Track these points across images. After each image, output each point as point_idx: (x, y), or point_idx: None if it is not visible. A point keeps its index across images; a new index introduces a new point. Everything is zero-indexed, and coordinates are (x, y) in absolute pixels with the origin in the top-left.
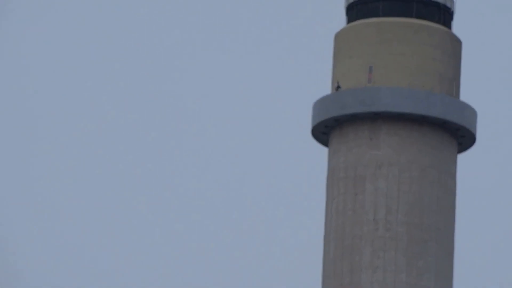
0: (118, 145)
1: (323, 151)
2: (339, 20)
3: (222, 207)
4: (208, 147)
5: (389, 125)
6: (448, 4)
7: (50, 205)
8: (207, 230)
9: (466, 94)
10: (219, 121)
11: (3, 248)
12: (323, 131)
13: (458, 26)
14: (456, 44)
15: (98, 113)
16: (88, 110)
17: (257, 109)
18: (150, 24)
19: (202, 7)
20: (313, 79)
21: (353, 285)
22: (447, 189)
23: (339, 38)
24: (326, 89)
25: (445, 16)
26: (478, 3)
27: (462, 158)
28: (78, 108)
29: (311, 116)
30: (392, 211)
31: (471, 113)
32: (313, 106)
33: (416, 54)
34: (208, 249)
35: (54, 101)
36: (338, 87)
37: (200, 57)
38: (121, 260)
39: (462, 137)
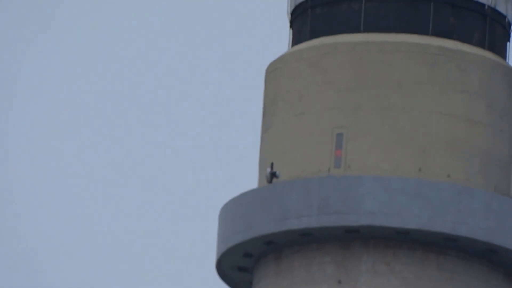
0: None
1: None
2: (280, 41)
3: None
4: None
5: (377, 254)
6: (502, 10)
7: None
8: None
9: None
10: None
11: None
12: (240, 264)
13: None
14: None
15: None
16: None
17: None
18: None
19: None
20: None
21: None
22: None
23: (276, 76)
24: (249, 180)
25: (495, 33)
26: None
27: None
28: None
29: (215, 242)
30: None
31: None
32: (220, 216)
33: (433, 109)
34: None
35: None
36: (273, 174)
37: None
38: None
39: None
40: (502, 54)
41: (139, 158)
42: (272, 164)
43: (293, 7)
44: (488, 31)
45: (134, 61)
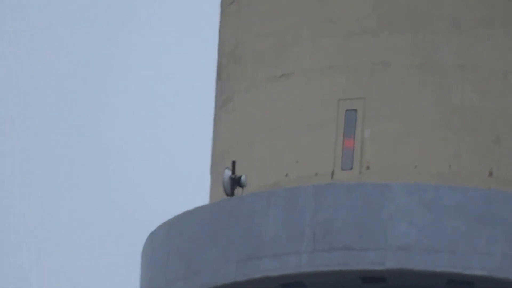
0: None
1: None
2: None
3: None
4: None
5: None
6: None
7: None
8: None
9: None
10: None
11: None
12: None
13: None
14: None
15: None
16: None
17: None
18: None
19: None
20: None
21: None
22: None
23: (239, 10)
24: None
25: None
26: None
27: None
28: None
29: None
30: None
31: None
32: (144, 254)
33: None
34: None
35: None
36: (235, 180)
37: None
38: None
39: None
40: None
41: None
42: (233, 163)
43: None
44: None
45: None
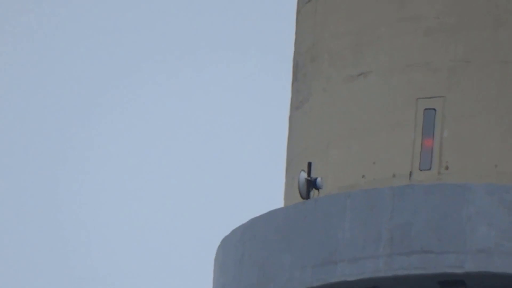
0: None
1: None
2: None
3: None
4: None
5: None
6: None
7: None
8: None
9: None
10: None
11: None
12: None
13: None
14: None
15: None
16: None
17: None
18: None
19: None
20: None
21: None
22: None
23: (315, 10)
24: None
25: None
26: None
27: None
28: None
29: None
30: None
31: None
32: (217, 259)
33: None
34: None
35: None
36: (312, 183)
37: None
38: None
39: None
40: None
41: None
42: (309, 165)
43: None
44: None
45: None
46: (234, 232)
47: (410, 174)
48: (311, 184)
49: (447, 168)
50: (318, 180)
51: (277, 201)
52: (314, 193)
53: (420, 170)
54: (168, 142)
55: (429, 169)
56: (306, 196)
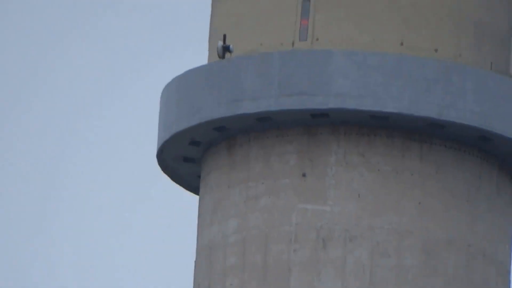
0: None
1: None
2: None
3: None
4: None
5: (349, 143)
6: None
7: None
8: None
9: None
10: None
11: None
12: (186, 154)
13: None
14: None
15: None
16: None
17: None
18: None
19: None
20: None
21: None
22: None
23: None
24: (196, 55)
25: None
26: None
27: None
28: None
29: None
30: None
31: None
32: (162, 98)
33: None
34: None
35: None
36: (226, 48)
37: None
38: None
39: None
40: None
41: None
42: (224, 36)
43: None
44: None
45: None
46: (174, 79)
47: (293, 43)
48: (226, 49)
49: (317, 39)
50: (231, 46)
51: (203, 60)
52: (227, 55)
53: (300, 41)
54: None
55: (306, 40)
56: (222, 57)
